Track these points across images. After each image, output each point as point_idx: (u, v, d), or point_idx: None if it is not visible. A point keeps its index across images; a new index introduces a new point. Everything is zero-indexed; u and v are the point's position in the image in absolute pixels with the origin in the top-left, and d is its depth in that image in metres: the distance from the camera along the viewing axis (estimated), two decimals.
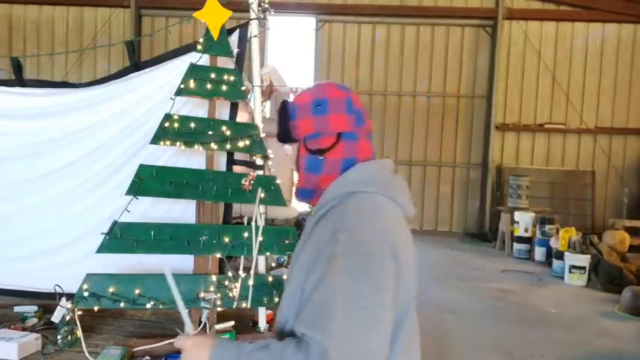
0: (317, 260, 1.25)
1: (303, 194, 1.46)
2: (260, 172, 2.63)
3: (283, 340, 1.22)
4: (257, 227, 2.52)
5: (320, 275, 1.21)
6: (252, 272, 2.51)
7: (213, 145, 2.55)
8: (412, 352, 1.36)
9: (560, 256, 8.19)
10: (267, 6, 2.75)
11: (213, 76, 2.60)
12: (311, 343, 1.15)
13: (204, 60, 2.61)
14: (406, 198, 1.39)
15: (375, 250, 1.22)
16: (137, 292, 2.50)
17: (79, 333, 2.31)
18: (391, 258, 1.23)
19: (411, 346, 1.34)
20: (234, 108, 2.76)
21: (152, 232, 2.54)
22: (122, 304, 2.49)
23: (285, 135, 1.44)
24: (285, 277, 2.58)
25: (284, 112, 1.44)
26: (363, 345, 1.16)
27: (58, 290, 2.51)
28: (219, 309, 2.46)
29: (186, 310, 1.38)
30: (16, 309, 2.84)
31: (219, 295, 2.43)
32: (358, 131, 1.40)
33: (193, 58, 2.62)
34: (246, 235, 2.51)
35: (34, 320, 2.68)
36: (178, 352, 1.35)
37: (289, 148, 1.45)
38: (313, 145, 1.40)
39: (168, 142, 2.52)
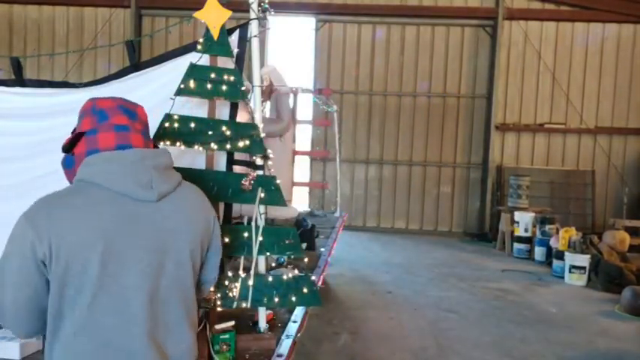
0: None
1: None
2: (260, 172, 2.62)
3: None
4: (257, 227, 2.52)
5: None
6: (252, 272, 2.51)
7: (213, 145, 2.54)
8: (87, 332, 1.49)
9: (560, 256, 8.20)
10: (267, 6, 2.75)
11: (213, 76, 2.59)
12: None
13: (204, 60, 2.60)
14: (131, 183, 1.55)
15: (19, 232, 1.52)
16: None
17: None
18: (35, 239, 1.47)
19: (87, 326, 1.48)
20: (234, 108, 2.76)
21: None
22: None
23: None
24: (284, 277, 2.58)
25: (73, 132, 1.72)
26: None
27: None
28: (219, 309, 2.46)
29: None
30: None
31: (219, 295, 2.42)
32: (98, 127, 1.62)
33: (193, 58, 2.61)
34: (246, 235, 2.50)
35: None
36: None
37: None
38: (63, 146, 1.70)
39: (168, 142, 2.51)
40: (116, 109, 1.67)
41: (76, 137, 1.65)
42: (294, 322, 2.85)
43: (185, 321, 1.62)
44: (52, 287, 1.48)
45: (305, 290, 2.55)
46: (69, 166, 1.69)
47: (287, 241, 2.58)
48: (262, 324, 2.61)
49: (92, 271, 1.47)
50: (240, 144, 2.58)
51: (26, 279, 1.49)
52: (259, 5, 2.69)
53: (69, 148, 1.67)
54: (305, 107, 8.49)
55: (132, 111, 1.70)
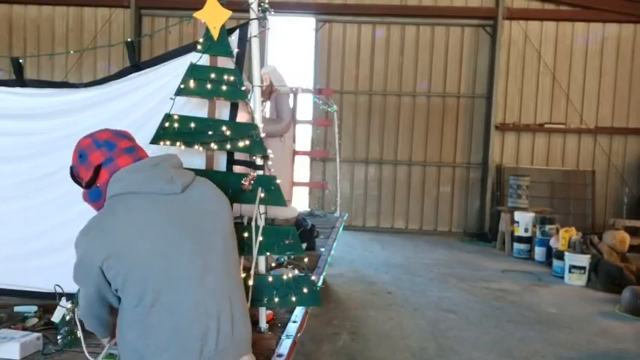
0: None
1: None
2: (260, 172, 2.62)
3: None
4: (257, 227, 2.52)
5: None
6: (252, 272, 2.51)
7: (213, 145, 2.55)
8: (158, 326, 1.73)
9: (560, 256, 8.19)
10: (267, 6, 2.75)
11: (213, 76, 2.60)
12: None
13: (204, 60, 2.60)
14: (158, 182, 1.80)
15: (82, 248, 1.75)
16: None
17: (79, 333, 2.30)
18: (99, 259, 1.71)
19: (154, 323, 1.72)
20: (234, 108, 2.76)
21: None
22: None
23: (81, 186, 1.92)
24: (284, 277, 2.58)
25: (72, 175, 1.94)
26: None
27: (58, 290, 2.51)
28: None
29: None
30: (16, 309, 2.83)
31: None
32: (112, 155, 1.85)
33: (193, 58, 2.62)
34: (246, 235, 2.51)
35: (34, 320, 2.67)
36: None
37: None
38: (83, 182, 1.89)
39: (168, 143, 2.51)
40: (116, 137, 1.90)
41: (95, 171, 1.83)
42: (294, 322, 2.85)
43: (234, 288, 1.89)
44: (118, 285, 1.74)
45: (305, 290, 2.55)
46: (96, 198, 1.87)
47: (287, 241, 2.58)
48: (262, 324, 2.61)
49: (153, 261, 1.71)
50: (240, 144, 2.58)
51: (93, 280, 1.77)
52: (259, 5, 2.69)
53: (91, 182, 1.85)
54: (305, 107, 8.48)
55: (124, 134, 1.95)
